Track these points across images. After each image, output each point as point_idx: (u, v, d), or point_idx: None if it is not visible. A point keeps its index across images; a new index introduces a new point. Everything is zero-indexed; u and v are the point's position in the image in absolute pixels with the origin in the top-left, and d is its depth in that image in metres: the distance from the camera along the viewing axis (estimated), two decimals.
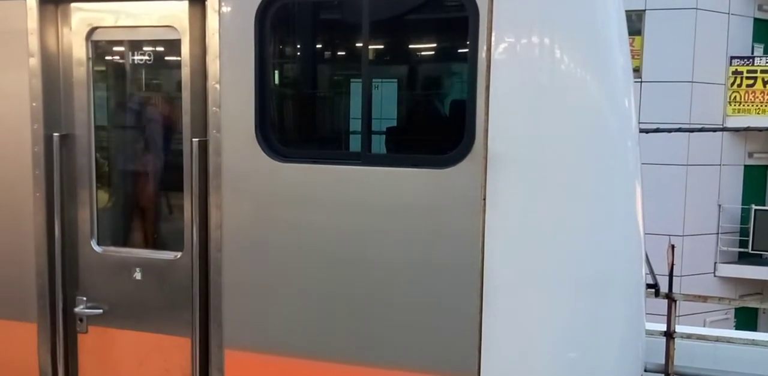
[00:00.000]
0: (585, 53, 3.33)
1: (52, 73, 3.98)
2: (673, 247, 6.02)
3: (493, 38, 3.20)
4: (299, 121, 4.03)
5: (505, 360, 3.32)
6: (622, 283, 3.44)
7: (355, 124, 3.55)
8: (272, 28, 3.56)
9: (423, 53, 3.81)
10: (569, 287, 3.33)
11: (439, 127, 3.70)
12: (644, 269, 3.56)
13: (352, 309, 3.52)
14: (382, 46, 3.62)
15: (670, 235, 8.67)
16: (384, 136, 3.68)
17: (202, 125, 3.75)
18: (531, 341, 3.34)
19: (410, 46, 3.79)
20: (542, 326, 3.34)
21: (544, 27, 3.28)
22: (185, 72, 3.76)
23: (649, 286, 4.02)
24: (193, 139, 3.73)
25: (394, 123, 3.75)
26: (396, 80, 3.75)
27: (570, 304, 3.34)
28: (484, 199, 3.26)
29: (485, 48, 3.21)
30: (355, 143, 3.59)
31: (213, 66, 3.66)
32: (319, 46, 3.98)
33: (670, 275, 5.75)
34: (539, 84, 3.28)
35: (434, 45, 3.73)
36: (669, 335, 5.52)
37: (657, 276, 4.70)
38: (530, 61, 3.27)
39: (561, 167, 3.30)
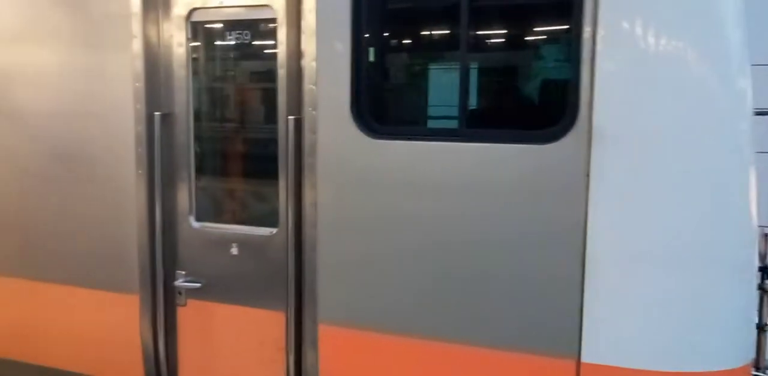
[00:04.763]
0: (696, 27, 3.21)
1: (153, 54, 4.09)
2: (766, 236, 5.78)
3: (599, 11, 3.13)
4: (395, 98, 4.03)
5: (607, 341, 3.25)
6: (731, 264, 3.32)
7: (452, 100, 3.52)
8: (368, 5, 3.56)
9: (525, 27, 3.74)
10: (675, 267, 3.22)
11: (541, 101, 3.63)
12: (756, 252, 3.41)
13: (448, 287, 3.50)
14: (482, 19, 3.57)
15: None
16: (482, 111, 3.64)
17: (297, 103, 3.79)
18: (635, 322, 3.25)
19: (512, 19, 3.73)
20: (646, 307, 3.24)
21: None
22: (281, 50, 3.81)
23: (761, 269, 3.86)
24: (289, 117, 3.77)
25: (493, 98, 3.70)
26: (496, 54, 3.70)
27: (676, 285, 3.24)
28: (588, 175, 3.19)
29: (591, 22, 3.14)
30: (452, 119, 3.56)
31: (309, 44, 3.69)
32: (416, 22, 3.97)
33: (763, 267, 5.53)
34: (646, 59, 3.18)
35: (537, 18, 3.66)
36: (761, 328, 5.31)
37: None
38: (637, 35, 3.17)
39: (668, 145, 3.19)
